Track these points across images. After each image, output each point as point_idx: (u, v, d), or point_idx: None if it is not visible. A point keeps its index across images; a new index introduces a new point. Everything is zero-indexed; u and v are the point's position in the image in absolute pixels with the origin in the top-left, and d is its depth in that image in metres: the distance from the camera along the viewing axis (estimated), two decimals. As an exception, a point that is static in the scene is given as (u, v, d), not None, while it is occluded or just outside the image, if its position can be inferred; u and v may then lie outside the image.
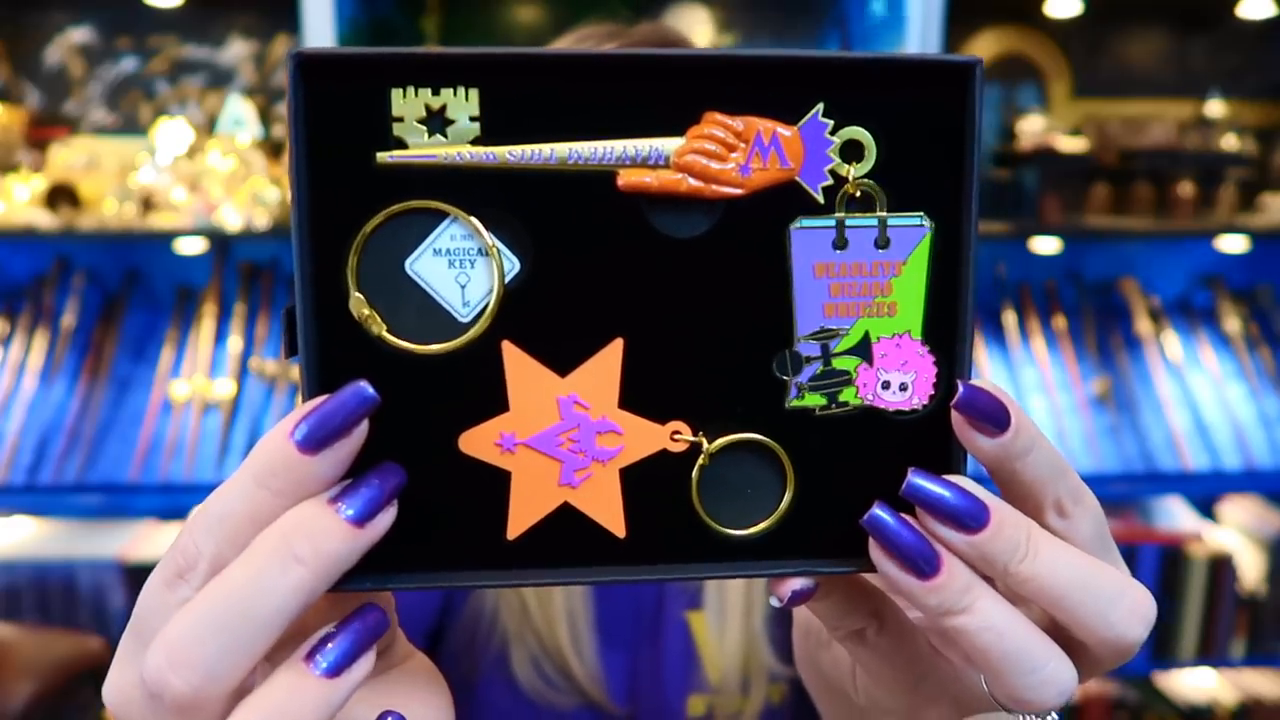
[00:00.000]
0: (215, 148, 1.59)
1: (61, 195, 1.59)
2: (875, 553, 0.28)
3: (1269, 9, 1.79)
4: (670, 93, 0.27)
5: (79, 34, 1.73)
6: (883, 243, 0.27)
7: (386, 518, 0.26)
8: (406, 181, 0.27)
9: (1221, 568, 1.70)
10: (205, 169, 1.57)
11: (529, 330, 0.27)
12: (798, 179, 0.27)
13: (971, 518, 0.28)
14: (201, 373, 1.62)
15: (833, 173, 0.27)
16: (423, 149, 0.26)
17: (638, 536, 0.28)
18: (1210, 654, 1.73)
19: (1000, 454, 0.28)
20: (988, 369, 1.72)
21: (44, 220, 1.54)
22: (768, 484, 0.29)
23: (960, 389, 0.28)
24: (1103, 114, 1.86)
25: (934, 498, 0.28)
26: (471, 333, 0.27)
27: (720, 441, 0.28)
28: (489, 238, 0.27)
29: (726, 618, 0.72)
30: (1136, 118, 1.86)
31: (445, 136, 0.26)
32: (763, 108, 0.27)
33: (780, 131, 0.27)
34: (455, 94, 0.26)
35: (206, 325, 1.66)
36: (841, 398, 0.28)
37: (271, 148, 1.67)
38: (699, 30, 1.74)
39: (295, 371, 1.63)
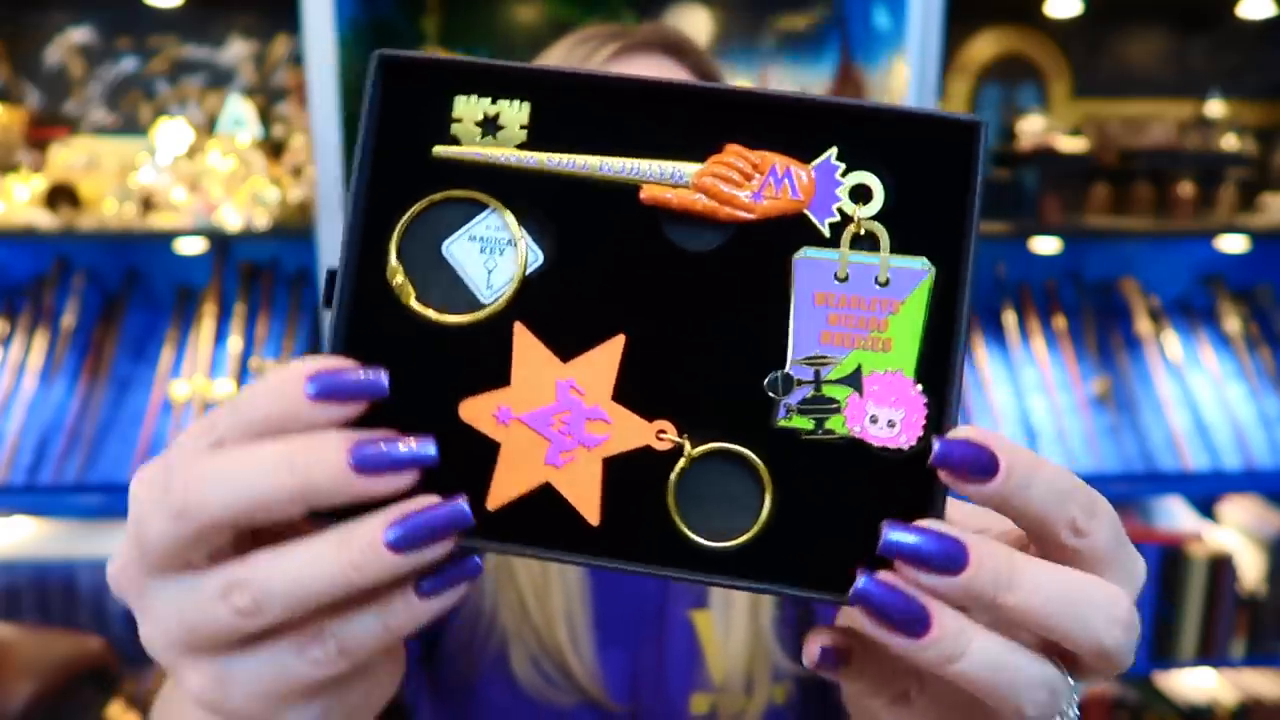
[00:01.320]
0: (215, 148, 1.59)
1: (61, 195, 1.59)
2: (867, 623, 0.28)
3: (1269, 9, 1.79)
4: (698, 121, 0.29)
5: (79, 34, 1.73)
6: (883, 281, 0.28)
7: (392, 480, 0.27)
8: (456, 174, 0.30)
9: (1221, 568, 1.70)
10: (205, 169, 1.57)
11: (541, 317, 0.29)
12: (807, 212, 0.29)
13: (951, 560, 0.27)
14: (201, 373, 1.62)
15: (840, 211, 0.28)
16: (474, 148, 0.30)
17: (610, 528, 0.29)
18: (1210, 654, 1.73)
19: (996, 497, 0.28)
20: (988, 369, 1.73)
21: (44, 220, 1.54)
22: (745, 500, 0.29)
23: (936, 445, 0.27)
24: (1103, 114, 1.86)
25: (910, 549, 0.27)
26: (488, 310, 0.29)
27: (703, 448, 0.28)
28: (519, 230, 0.29)
29: (732, 617, 0.72)
30: (1136, 118, 1.86)
31: (495, 139, 0.30)
32: (781, 144, 0.29)
33: (794, 168, 0.28)
34: (510, 104, 0.30)
35: (206, 325, 1.66)
36: (829, 425, 0.28)
37: (271, 148, 1.67)
38: (699, 30, 1.74)
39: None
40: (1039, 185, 1.68)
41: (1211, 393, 1.74)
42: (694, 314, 0.29)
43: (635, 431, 0.28)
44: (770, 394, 0.29)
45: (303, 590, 0.27)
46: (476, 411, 0.29)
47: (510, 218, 0.29)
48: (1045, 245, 1.82)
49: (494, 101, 0.29)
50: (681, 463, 0.28)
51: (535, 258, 0.29)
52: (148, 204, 1.58)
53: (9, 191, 1.57)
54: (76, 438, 1.58)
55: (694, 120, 0.29)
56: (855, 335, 0.28)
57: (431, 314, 0.29)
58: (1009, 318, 1.78)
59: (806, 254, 0.28)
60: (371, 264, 0.29)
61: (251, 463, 0.26)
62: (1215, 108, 1.82)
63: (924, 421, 0.28)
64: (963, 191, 0.28)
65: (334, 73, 1.42)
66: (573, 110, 0.29)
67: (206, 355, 1.64)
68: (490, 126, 0.29)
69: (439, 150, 0.30)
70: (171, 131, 1.63)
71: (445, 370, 0.29)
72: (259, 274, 1.73)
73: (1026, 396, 1.72)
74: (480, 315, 0.29)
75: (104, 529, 1.69)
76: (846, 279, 0.28)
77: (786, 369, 0.28)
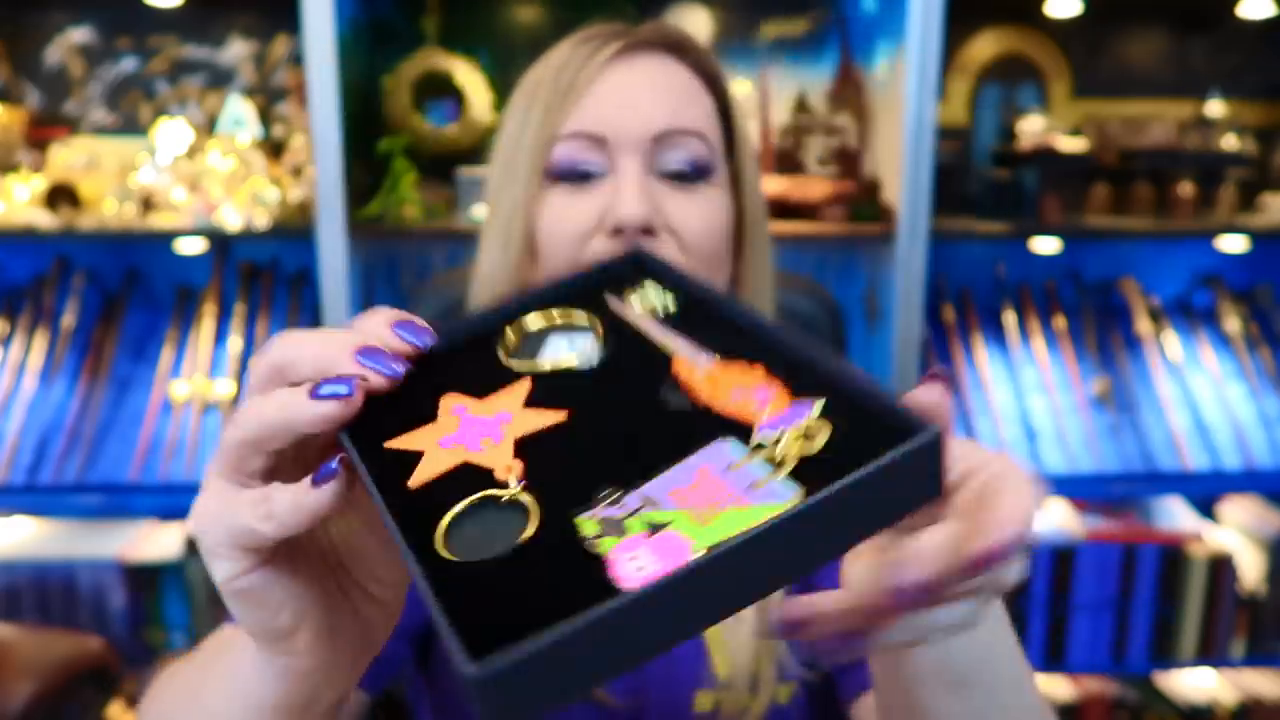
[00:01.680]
0: (215, 148, 1.59)
1: (61, 195, 1.59)
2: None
3: (1269, 9, 1.79)
4: (747, 344, 0.38)
5: (79, 34, 1.73)
6: (758, 486, 0.31)
7: (374, 379, 0.37)
8: (608, 315, 0.42)
9: (1221, 568, 1.70)
10: (205, 169, 1.57)
11: (547, 387, 0.38)
12: (758, 423, 0.33)
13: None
14: (201, 373, 1.62)
15: (779, 437, 0.32)
16: (631, 308, 0.42)
17: (412, 495, 0.35)
18: (1210, 654, 1.73)
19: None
20: (988, 369, 1.73)
21: (44, 220, 1.54)
22: (501, 543, 0.32)
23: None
24: (1103, 114, 1.86)
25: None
26: (525, 367, 0.40)
27: (512, 492, 0.33)
28: (594, 349, 0.41)
29: (740, 615, 0.72)
30: (1136, 118, 1.86)
31: (641, 305, 0.43)
32: (790, 380, 0.35)
33: (778, 395, 0.35)
34: (669, 296, 0.43)
35: (206, 325, 1.66)
36: (603, 542, 0.30)
37: (271, 148, 1.67)
38: (699, 30, 1.74)
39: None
40: (1039, 185, 1.68)
41: (1211, 393, 1.74)
42: (624, 434, 0.35)
43: (499, 458, 0.35)
44: (597, 497, 0.32)
45: (260, 415, 0.36)
46: (449, 402, 0.37)
47: (598, 342, 0.41)
48: (1045, 245, 1.82)
49: (663, 292, 0.43)
50: (493, 491, 0.33)
51: (586, 363, 0.40)
52: (148, 204, 1.58)
53: (9, 191, 1.57)
54: (76, 438, 1.58)
55: (745, 342, 0.38)
56: (694, 502, 0.30)
57: (501, 356, 0.41)
58: (1009, 318, 1.78)
59: (727, 442, 0.33)
60: (513, 314, 0.42)
61: (310, 336, 0.38)
62: (1215, 108, 1.82)
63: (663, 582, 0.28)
64: (869, 458, 0.30)
65: (334, 73, 1.42)
66: (694, 311, 0.42)
67: (206, 355, 1.64)
68: (650, 298, 0.43)
69: (611, 300, 0.43)
70: (171, 131, 1.63)
71: (464, 379, 0.39)
72: (259, 274, 1.73)
73: (1026, 396, 1.72)
74: (517, 366, 0.40)
75: (104, 529, 1.69)
76: (734, 470, 0.32)
77: (627, 491, 0.32)
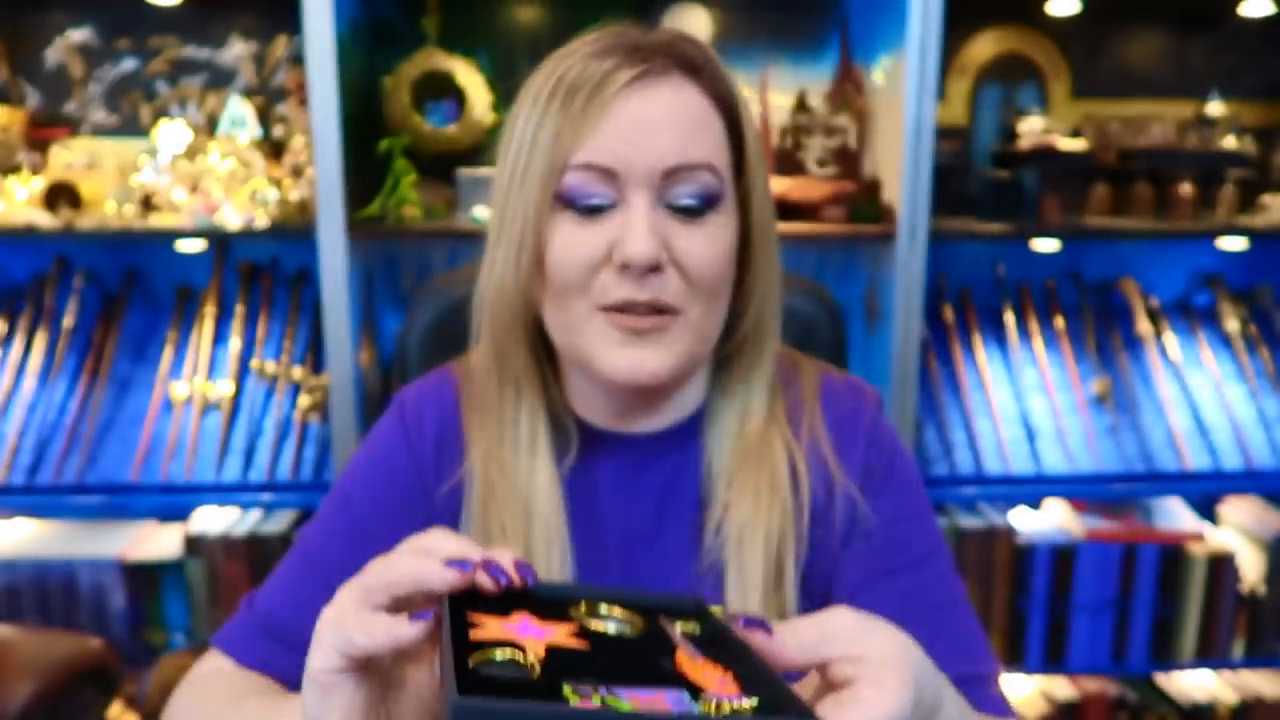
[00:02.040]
0: (215, 148, 1.59)
1: (61, 195, 1.59)
2: None
3: (1269, 9, 1.79)
4: (730, 659, 0.50)
5: (79, 34, 1.73)
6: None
7: (484, 579, 0.51)
8: (655, 627, 0.55)
9: (1221, 568, 1.70)
10: (205, 169, 1.58)
11: (587, 633, 0.53)
12: (709, 690, 0.47)
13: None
14: (201, 373, 1.62)
15: (718, 701, 0.45)
16: (675, 629, 0.54)
17: (470, 644, 0.47)
18: (1210, 654, 1.73)
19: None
20: (988, 369, 1.73)
21: (44, 220, 1.54)
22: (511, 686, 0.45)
23: None
24: (1103, 114, 1.86)
25: None
26: (581, 620, 0.54)
27: (530, 660, 0.47)
28: (640, 626, 0.55)
29: (747, 610, 0.72)
30: (1136, 118, 1.86)
31: (682, 629, 0.54)
32: (745, 682, 0.47)
33: (732, 686, 0.47)
34: (693, 626, 0.55)
35: (206, 325, 1.67)
36: (573, 698, 0.44)
37: (271, 148, 1.67)
38: (699, 31, 1.74)
39: (295, 372, 1.63)
40: (1039, 185, 1.68)
41: (1211, 393, 1.74)
42: (620, 665, 0.49)
43: (533, 646, 0.48)
44: (576, 686, 0.45)
45: (398, 566, 0.50)
46: (520, 613, 0.52)
47: (638, 627, 0.55)
48: (1045, 245, 1.82)
49: (691, 622, 0.56)
50: (518, 655, 0.47)
51: (620, 635, 0.54)
52: (148, 204, 1.58)
53: (9, 191, 1.57)
54: (76, 438, 1.58)
55: (729, 659, 0.50)
56: (640, 704, 0.44)
57: (569, 610, 0.55)
58: (1009, 318, 1.78)
59: (683, 692, 0.46)
60: (593, 598, 0.56)
61: (456, 538, 0.53)
62: (1215, 108, 1.82)
63: None
64: None
65: (334, 73, 1.42)
66: (712, 636, 0.54)
67: (206, 355, 1.64)
68: (691, 632, 0.55)
69: (663, 620, 0.55)
70: (171, 132, 1.63)
71: (537, 608, 0.53)
72: (259, 274, 1.73)
73: (1026, 396, 1.72)
74: (575, 617, 0.54)
75: (104, 529, 1.70)
76: (677, 702, 0.46)
77: (601, 685, 0.45)
